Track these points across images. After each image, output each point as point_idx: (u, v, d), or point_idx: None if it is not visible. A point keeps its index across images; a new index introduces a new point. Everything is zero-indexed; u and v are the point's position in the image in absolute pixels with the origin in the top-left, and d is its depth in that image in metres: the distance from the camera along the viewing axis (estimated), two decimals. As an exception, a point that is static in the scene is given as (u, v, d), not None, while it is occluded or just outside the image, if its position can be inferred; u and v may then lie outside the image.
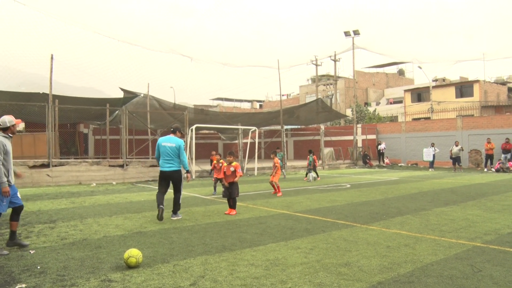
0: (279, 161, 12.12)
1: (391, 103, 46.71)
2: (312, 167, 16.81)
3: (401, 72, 56.49)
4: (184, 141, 8.50)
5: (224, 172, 8.30)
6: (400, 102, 44.29)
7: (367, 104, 47.01)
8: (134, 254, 4.45)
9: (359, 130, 30.79)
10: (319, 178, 17.19)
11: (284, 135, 25.38)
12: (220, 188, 10.32)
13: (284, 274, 4.22)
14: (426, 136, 26.88)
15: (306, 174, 17.12)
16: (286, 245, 5.44)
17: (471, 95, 37.05)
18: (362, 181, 15.82)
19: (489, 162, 21.63)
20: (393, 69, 56.64)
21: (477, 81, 37.64)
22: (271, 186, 11.90)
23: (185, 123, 18.64)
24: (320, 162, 25.72)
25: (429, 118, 35.37)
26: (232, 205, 8.18)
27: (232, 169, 8.19)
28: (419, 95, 41.00)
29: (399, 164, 27.40)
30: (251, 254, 5.01)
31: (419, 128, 27.90)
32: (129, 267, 4.43)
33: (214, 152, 19.07)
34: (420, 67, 38.05)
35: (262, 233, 6.21)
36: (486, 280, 4.00)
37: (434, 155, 23.30)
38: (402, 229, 6.42)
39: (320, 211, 8.36)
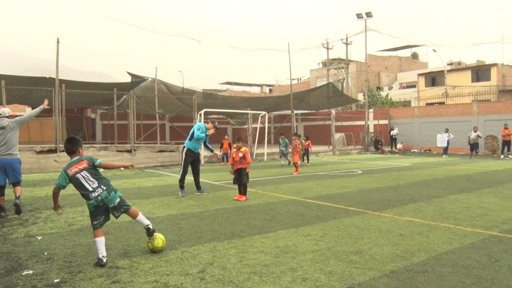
0: (299, 142, 14.01)
1: (404, 88, 45.97)
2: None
3: (414, 56, 55.35)
4: (204, 128, 8.93)
5: (233, 158, 8.18)
6: (414, 86, 43.58)
7: (379, 88, 46.40)
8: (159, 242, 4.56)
9: (371, 115, 30.47)
10: (307, 164, 17.03)
11: (294, 120, 25.23)
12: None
13: (294, 261, 4.19)
14: (440, 122, 26.48)
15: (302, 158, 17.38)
16: (296, 232, 5.40)
17: (488, 79, 36.27)
18: (374, 167, 15.70)
19: (506, 148, 21.26)
20: (406, 53, 55.64)
21: (495, 64, 36.79)
22: (294, 167, 13.73)
23: (193, 107, 18.60)
24: (331, 147, 25.59)
25: (443, 103, 34.77)
26: (243, 191, 8.15)
27: (240, 154, 8.06)
28: (433, 79, 40.27)
29: (412, 150, 27.12)
30: (260, 241, 4.99)
31: (433, 113, 27.49)
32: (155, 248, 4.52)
33: (226, 137, 19.06)
34: (434, 50, 37.30)
35: (271, 220, 6.19)
36: (504, 271, 3.92)
37: (448, 141, 22.98)
38: (415, 217, 6.34)
39: (331, 198, 8.30)
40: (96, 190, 4.17)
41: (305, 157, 17.33)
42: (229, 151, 17.68)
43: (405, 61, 53.49)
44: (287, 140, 16.69)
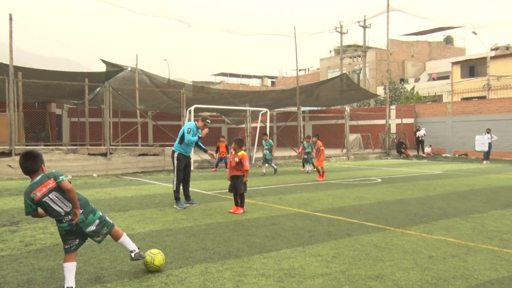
0: (321, 144, 14.59)
1: (434, 79, 45.98)
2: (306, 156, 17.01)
3: (448, 40, 54.67)
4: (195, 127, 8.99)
5: (230, 162, 8.31)
6: (447, 77, 43.54)
7: (403, 80, 46.49)
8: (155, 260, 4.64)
9: (393, 113, 30.50)
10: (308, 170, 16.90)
11: (301, 119, 25.25)
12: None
13: (301, 287, 4.17)
14: (480, 120, 26.31)
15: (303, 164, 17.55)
16: (304, 252, 5.39)
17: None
18: (396, 175, 15.70)
19: None
20: (438, 36, 55.06)
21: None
22: (317, 172, 14.53)
23: (182, 103, 18.61)
24: (345, 151, 25.60)
25: (484, 97, 34.65)
26: (240, 203, 8.20)
27: (237, 159, 8.15)
28: (472, 68, 39.94)
29: (444, 155, 27.13)
30: (261, 262, 4.98)
31: (470, 110, 27.40)
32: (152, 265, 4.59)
33: (222, 138, 18.99)
34: (475, 33, 37.02)
35: (274, 237, 6.17)
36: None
37: (490, 144, 22.55)
38: (449, 236, 6.32)
39: (345, 211, 8.29)
40: (71, 213, 4.06)
41: (308, 163, 17.16)
42: (227, 154, 17.69)
43: (436, 47, 53.16)
44: (271, 141, 16.53)
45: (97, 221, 4.24)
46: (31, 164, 4.06)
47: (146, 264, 4.62)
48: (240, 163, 8.12)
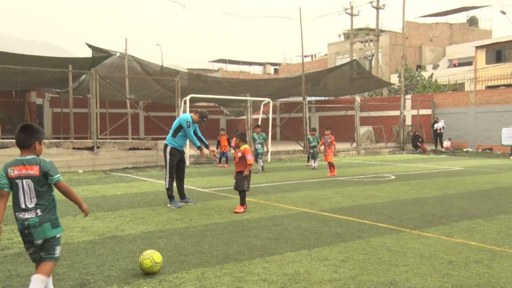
0: (333, 138, 15.22)
1: (455, 66, 45.79)
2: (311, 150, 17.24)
3: (472, 21, 53.86)
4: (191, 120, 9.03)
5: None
6: (469, 63, 43.33)
7: (420, 67, 46.39)
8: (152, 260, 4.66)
9: (408, 103, 30.45)
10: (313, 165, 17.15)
11: (307, 109, 25.23)
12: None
13: (307, 294, 4.18)
14: (507, 111, 26.13)
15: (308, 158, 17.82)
16: (310, 255, 5.40)
17: None
18: (412, 171, 15.70)
19: None
20: (461, 17, 54.26)
21: None
22: (329, 168, 14.92)
23: (176, 92, 18.61)
24: (354, 145, 25.60)
25: (512, 85, 34.44)
26: (240, 201, 8.33)
27: (239, 154, 8.37)
28: (499, 53, 39.42)
29: (465, 149, 27.10)
30: (262, 266, 4.99)
31: (496, 100, 27.21)
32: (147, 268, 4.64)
33: (223, 131, 18.98)
34: (503, 12, 36.62)
35: (277, 238, 6.19)
36: None
37: None
38: (471, 239, 6.31)
39: (355, 210, 8.30)
40: (28, 212, 3.83)
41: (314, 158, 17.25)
42: (228, 148, 17.70)
43: (458, 30, 52.58)
44: (264, 134, 16.38)
45: (53, 237, 3.93)
46: (23, 137, 3.93)
47: (147, 267, 4.64)
48: (243, 158, 8.31)
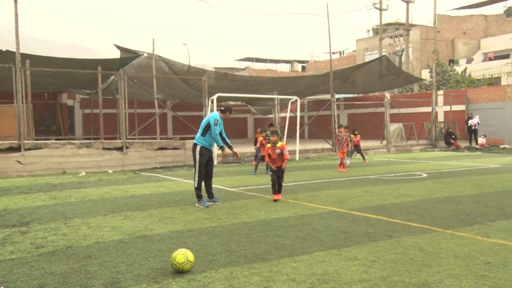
0: (348, 135, 15.88)
1: (490, 59, 44.72)
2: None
3: (510, 12, 52.41)
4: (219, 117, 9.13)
5: (269, 155, 9.44)
6: (506, 56, 42.24)
7: (453, 62, 45.49)
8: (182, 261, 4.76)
9: (440, 99, 29.93)
10: (365, 161, 18.77)
11: (335, 107, 25.04)
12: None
13: (337, 294, 4.15)
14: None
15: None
16: (339, 255, 5.37)
17: None
18: (445, 169, 15.44)
19: None
20: (497, 9, 53.00)
21: None
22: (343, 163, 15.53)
23: (203, 92, 18.73)
24: (385, 142, 25.31)
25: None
26: (278, 189, 9.39)
27: (278, 151, 9.34)
28: (538, 44, 38.48)
29: (502, 146, 26.47)
30: (291, 265, 4.98)
31: (535, 94, 26.53)
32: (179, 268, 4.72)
33: (259, 130, 19.05)
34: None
35: (306, 238, 6.17)
36: None
37: None
38: (509, 239, 6.16)
39: (385, 209, 8.21)
40: None
41: (351, 155, 17.42)
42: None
43: (494, 22, 51.28)
44: (279, 132, 16.31)
45: None
46: None
47: (179, 263, 4.74)
48: (281, 154, 9.34)
